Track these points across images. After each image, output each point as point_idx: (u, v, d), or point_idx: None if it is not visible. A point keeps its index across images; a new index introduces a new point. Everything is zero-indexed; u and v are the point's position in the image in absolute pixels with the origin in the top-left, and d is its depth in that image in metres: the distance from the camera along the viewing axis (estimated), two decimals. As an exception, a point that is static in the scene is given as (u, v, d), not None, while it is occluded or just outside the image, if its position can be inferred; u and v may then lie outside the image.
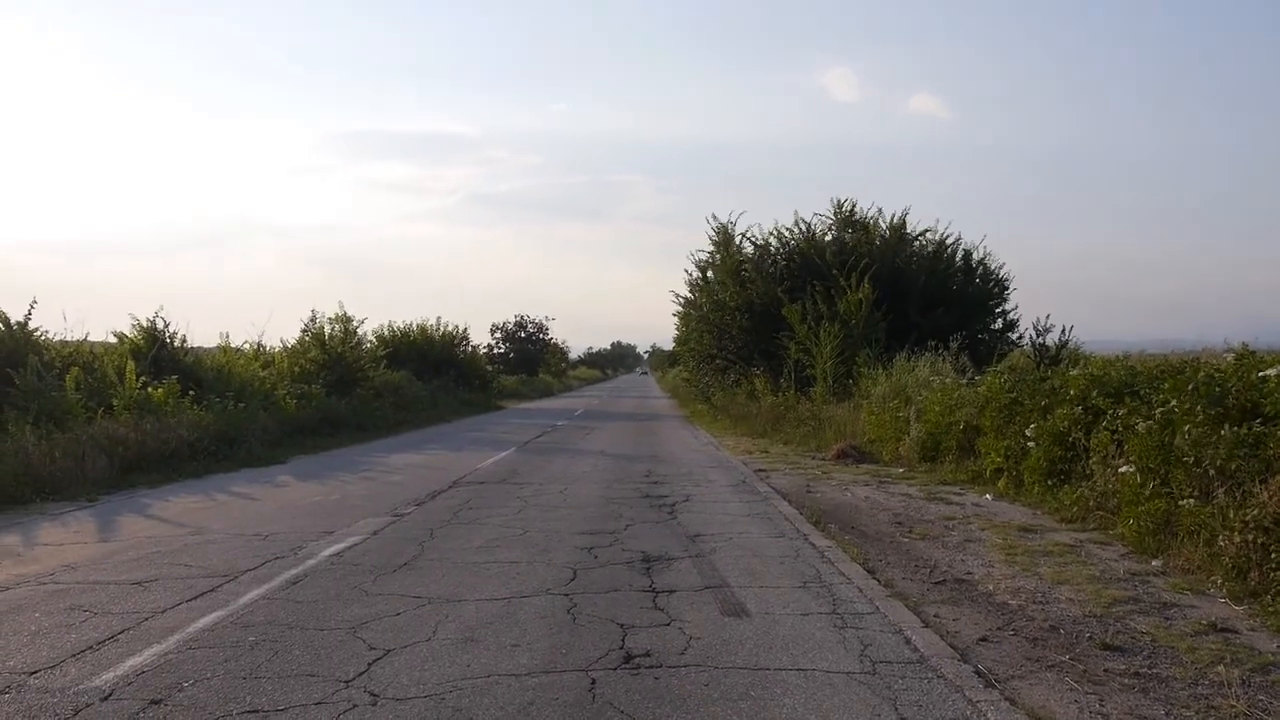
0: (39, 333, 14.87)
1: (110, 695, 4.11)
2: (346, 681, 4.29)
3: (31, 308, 14.53)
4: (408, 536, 7.98)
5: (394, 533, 8.20)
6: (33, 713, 3.91)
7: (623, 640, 4.94)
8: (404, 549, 7.41)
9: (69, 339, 16.64)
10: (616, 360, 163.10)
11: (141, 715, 3.88)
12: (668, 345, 75.71)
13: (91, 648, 4.80)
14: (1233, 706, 3.94)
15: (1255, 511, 6.04)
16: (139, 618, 5.37)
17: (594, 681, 4.30)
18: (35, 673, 4.42)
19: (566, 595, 5.90)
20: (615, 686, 4.23)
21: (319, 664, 4.54)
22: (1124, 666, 4.53)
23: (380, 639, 4.95)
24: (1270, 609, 5.36)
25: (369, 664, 4.54)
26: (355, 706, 3.98)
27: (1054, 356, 16.47)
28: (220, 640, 4.94)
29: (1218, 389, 7.07)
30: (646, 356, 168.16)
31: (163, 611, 5.51)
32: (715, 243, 27.05)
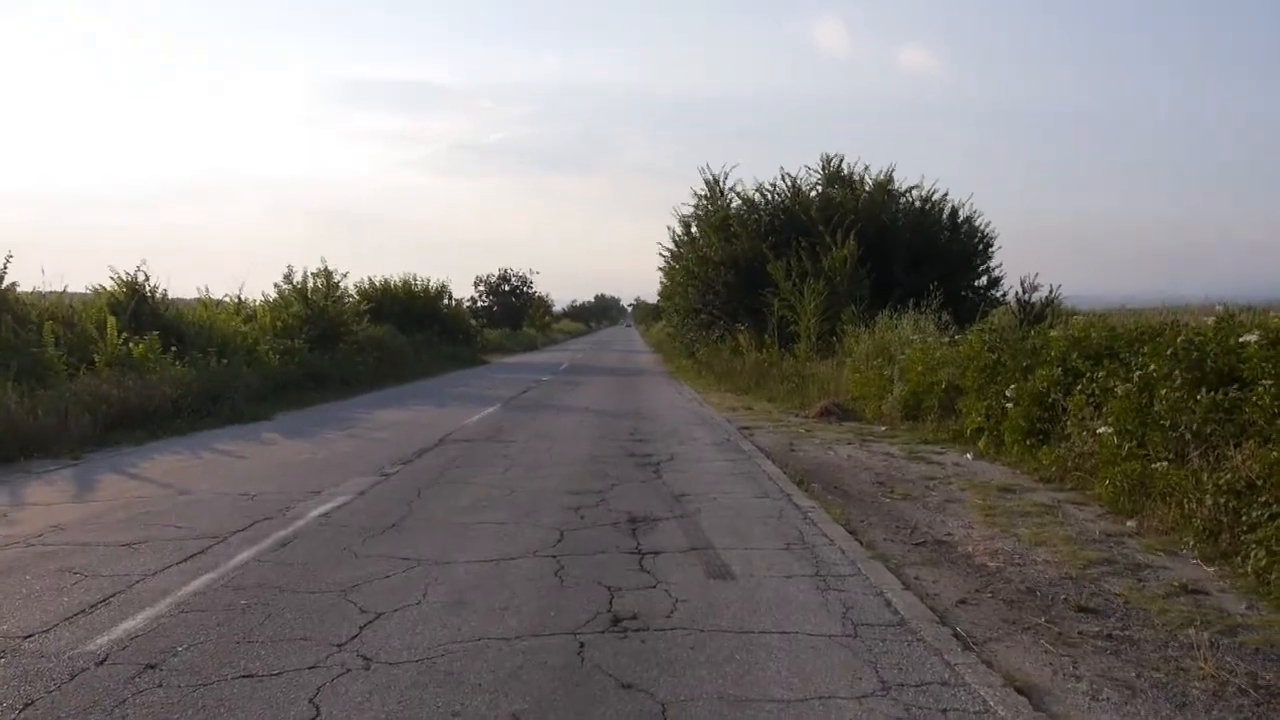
0: (14, 288, 14.68)
1: (105, 660, 4.17)
2: (339, 645, 4.36)
3: (7, 261, 14.31)
4: (395, 496, 8.03)
5: (381, 492, 8.26)
6: (29, 677, 3.96)
7: (610, 603, 5.03)
8: (392, 509, 7.46)
9: (47, 291, 16.46)
10: (600, 313, 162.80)
11: (137, 680, 3.94)
12: (652, 298, 75.72)
13: (84, 611, 4.85)
14: (1201, 668, 4.08)
15: (1229, 475, 6.19)
16: (130, 580, 5.41)
17: (582, 645, 4.39)
18: (29, 637, 4.46)
19: (554, 557, 5.98)
20: (603, 650, 4.32)
21: (311, 627, 4.61)
22: (1098, 629, 4.66)
23: (371, 602, 5.02)
24: (1240, 570, 5.51)
25: (360, 627, 4.61)
26: (349, 670, 4.05)
27: (1038, 314, 16.58)
28: (212, 604, 4.99)
29: (1196, 354, 7.17)
30: (630, 310, 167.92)
31: (153, 574, 5.55)
32: (704, 196, 26.92)
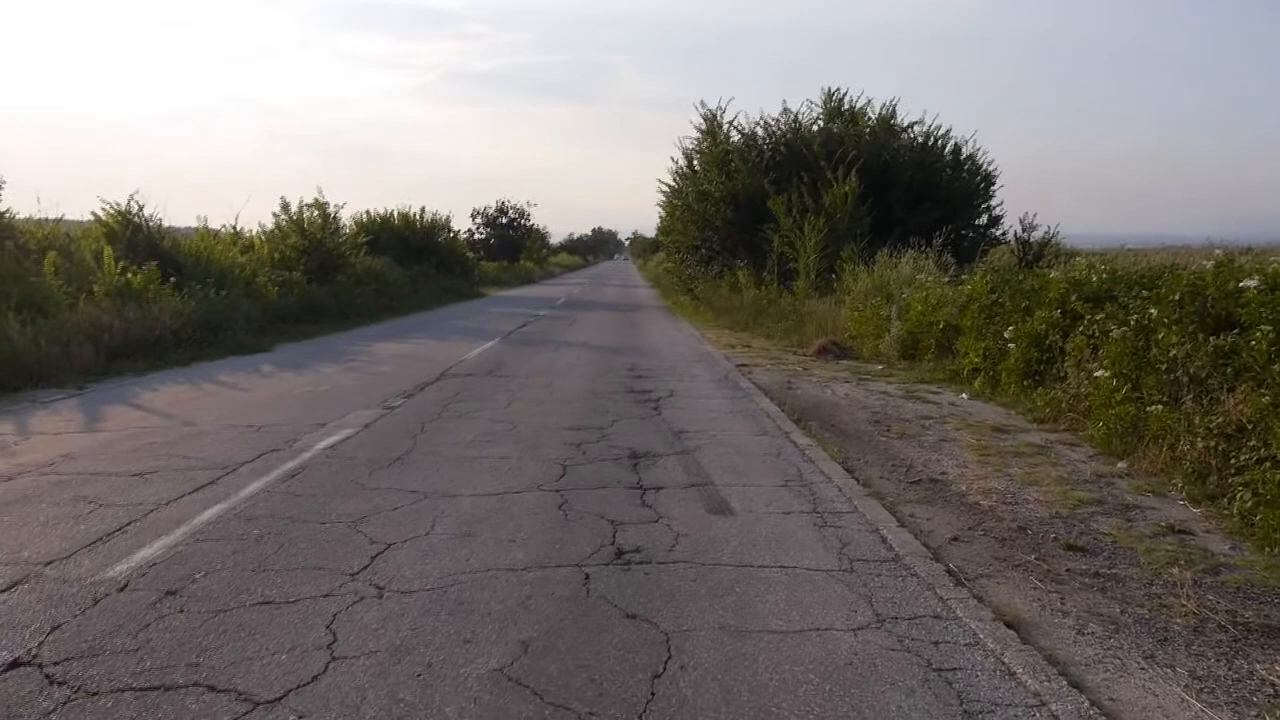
0: (11, 214, 14.59)
1: (126, 586, 4.30)
2: (352, 575, 4.50)
3: (0, 187, 14.19)
4: (399, 430, 8.15)
5: (385, 425, 8.37)
6: (54, 602, 4.10)
7: (613, 536, 5.17)
8: (397, 442, 7.58)
9: (43, 218, 16.35)
10: (598, 246, 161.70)
11: (159, 605, 4.08)
12: (649, 232, 75.20)
13: (101, 539, 4.98)
14: (1183, 606, 4.24)
15: (1220, 419, 6.31)
16: (144, 509, 5.54)
17: (587, 576, 4.54)
18: (50, 563, 4.60)
19: (558, 491, 6.12)
20: (608, 581, 4.47)
21: (323, 557, 4.75)
22: (1085, 567, 4.82)
23: (380, 533, 5.16)
24: (1225, 512, 5.67)
25: (371, 558, 4.75)
26: (362, 599, 4.19)
27: (1037, 254, 16.59)
28: (226, 533, 5.12)
29: (1200, 300, 7.23)
30: (628, 243, 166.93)
31: (166, 503, 5.68)
32: (702, 131, 26.53)
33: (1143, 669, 3.66)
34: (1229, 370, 6.64)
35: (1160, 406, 6.97)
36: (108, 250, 14.68)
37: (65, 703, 3.22)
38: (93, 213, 17.31)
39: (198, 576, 4.44)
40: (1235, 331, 6.87)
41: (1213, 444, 6.25)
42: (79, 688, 3.32)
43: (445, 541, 5.04)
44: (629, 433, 8.18)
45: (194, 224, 20.94)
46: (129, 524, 5.25)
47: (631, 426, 8.49)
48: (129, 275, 14.52)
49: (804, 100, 34.70)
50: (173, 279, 15.41)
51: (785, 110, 25.20)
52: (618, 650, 3.70)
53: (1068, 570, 4.77)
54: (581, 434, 8.08)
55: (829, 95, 25.54)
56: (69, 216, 16.94)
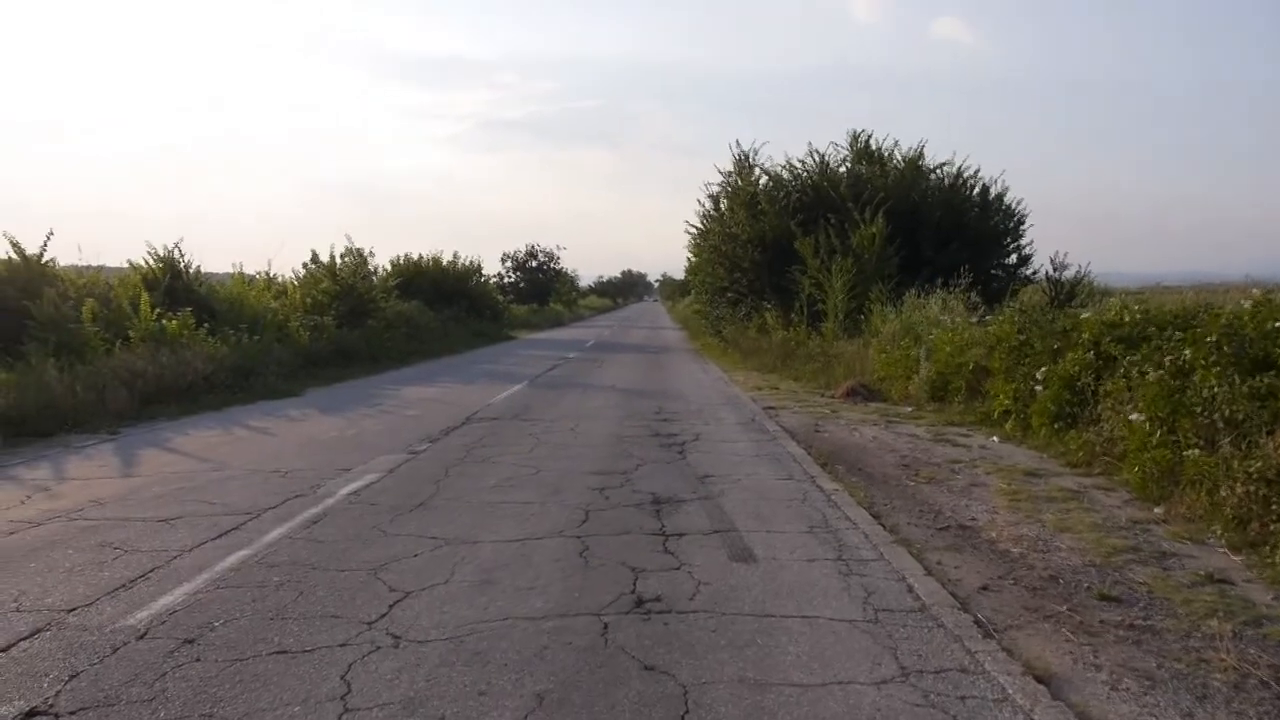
0: (54, 263, 14.98)
1: (146, 634, 4.31)
2: (369, 623, 4.47)
3: (47, 239, 14.61)
4: (423, 475, 8.16)
5: (409, 470, 8.39)
6: (73, 650, 4.11)
7: (634, 584, 5.10)
8: (420, 488, 7.59)
9: (84, 266, 16.76)
10: (627, 289, 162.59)
11: (176, 654, 4.08)
12: (678, 274, 75.48)
13: (124, 586, 5.00)
14: (1223, 660, 4.08)
15: (1260, 463, 6.12)
16: (168, 556, 5.57)
17: (606, 626, 4.47)
18: (73, 610, 4.62)
19: (579, 538, 6.07)
20: (627, 631, 4.40)
21: (342, 605, 4.73)
22: (1120, 618, 4.67)
23: (400, 580, 5.13)
24: (1268, 560, 5.48)
25: (390, 606, 4.72)
26: (378, 648, 4.16)
27: (1069, 293, 16.39)
28: (247, 580, 5.13)
29: (1238, 341, 7.08)
30: (657, 285, 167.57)
31: (190, 550, 5.71)
32: (732, 172, 26.74)
33: (1180, 728, 3.51)
34: (1268, 413, 6.47)
35: (1197, 451, 6.79)
36: (144, 297, 14.99)
37: (78, 754, 3.21)
38: (135, 261, 17.72)
39: (216, 625, 4.44)
40: (1274, 373, 6.70)
41: (1253, 489, 6.06)
42: (92, 739, 3.31)
43: (464, 589, 5.00)
44: (653, 477, 8.12)
45: (229, 269, 21.37)
46: (152, 570, 5.27)
47: (656, 471, 8.43)
48: (165, 321, 14.80)
49: (830, 142, 34.84)
50: (207, 324, 15.69)
51: (812, 152, 25.35)
52: (634, 704, 3.62)
53: (1101, 622, 4.62)
54: (605, 479, 8.03)
55: (855, 137, 25.67)
56: (109, 264, 17.37)
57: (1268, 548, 5.61)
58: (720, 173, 26.96)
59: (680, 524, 6.46)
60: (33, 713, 3.51)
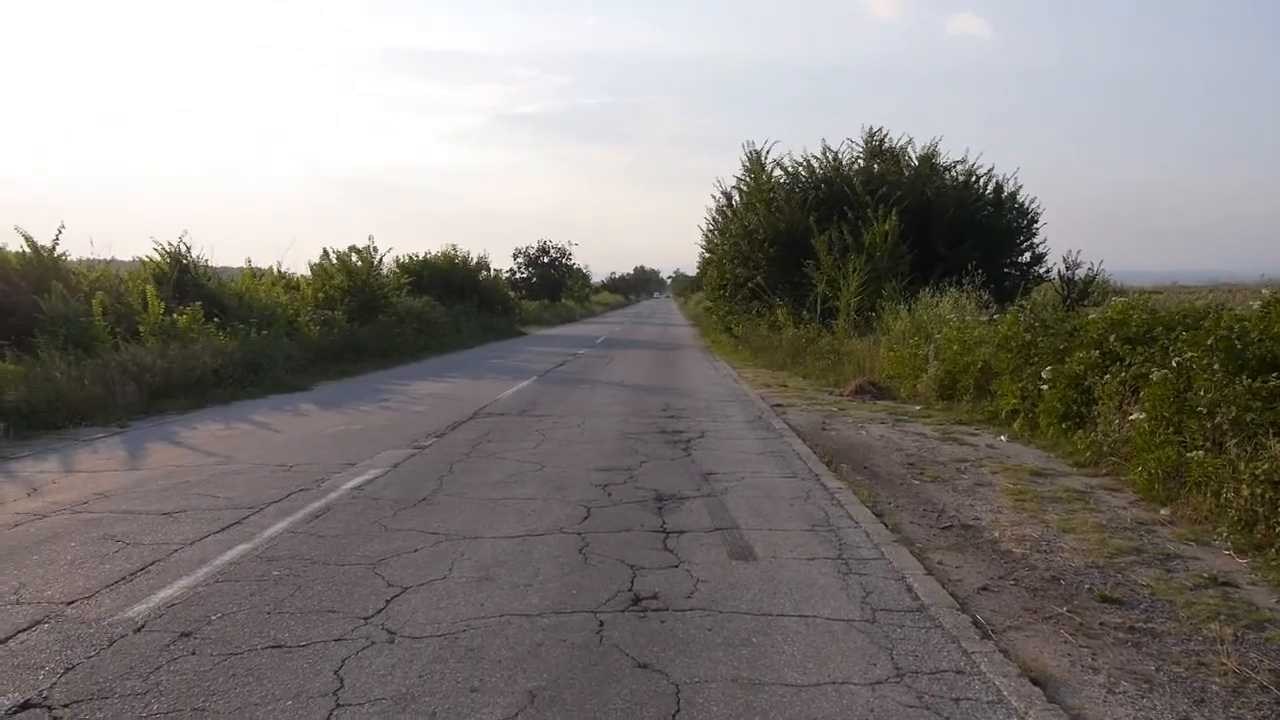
0: (65, 256, 15.08)
1: (143, 627, 4.33)
2: (365, 618, 4.48)
3: (59, 232, 14.71)
4: (427, 470, 8.17)
5: (414, 466, 8.40)
6: (70, 643, 4.13)
7: (632, 582, 5.09)
8: (423, 483, 7.60)
9: (95, 259, 16.88)
10: (639, 285, 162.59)
11: (172, 647, 4.09)
12: (691, 270, 75.41)
13: (124, 579, 5.03)
14: (1223, 664, 4.04)
15: (1266, 465, 6.05)
16: (169, 549, 5.59)
17: (602, 624, 4.46)
18: (72, 603, 4.65)
19: (579, 535, 6.06)
20: (623, 629, 4.39)
21: (339, 600, 4.74)
22: (1120, 620, 4.63)
23: (398, 576, 5.14)
24: (1273, 563, 5.42)
25: (387, 601, 4.73)
26: (373, 644, 4.16)
27: (1081, 291, 16.27)
28: (246, 574, 5.14)
29: (1237, 343, 6.99)
30: (669, 281, 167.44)
31: (191, 543, 5.73)
32: (746, 169, 26.66)
33: (1177, 732, 3.48)
34: (1274, 414, 6.40)
35: (1201, 452, 6.72)
36: (151, 291, 15.05)
37: (70, 746, 3.22)
38: (143, 257, 17.81)
39: (213, 618, 4.46)
40: (1277, 375, 6.62)
41: (1259, 491, 6.00)
42: (84, 731, 3.32)
43: (462, 585, 5.00)
44: (657, 474, 8.10)
45: (240, 264, 21.48)
46: (152, 564, 5.30)
47: (660, 468, 8.42)
48: (174, 315, 14.88)
49: (844, 139, 34.73)
50: (216, 319, 15.76)
51: (826, 149, 25.24)
52: (625, 702, 3.61)
53: (1101, 624, 4.58)
54: (609, 475, 8.02)
55: (870, 135, 25.54)
56: (120, 258, 17.48)
57: (1273, 550, 5.56)
58: (743, 165, 26.87)
59: (682, 521, 6.44)
60: (27, 705, 3.53)
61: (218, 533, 6.00)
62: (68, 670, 3.84)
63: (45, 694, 3.62)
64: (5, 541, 5.78)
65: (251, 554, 5.52)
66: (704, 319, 41.17)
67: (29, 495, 7.08)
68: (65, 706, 3.51)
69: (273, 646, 4.12)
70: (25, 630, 4.28)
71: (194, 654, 4.03)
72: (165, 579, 5.03)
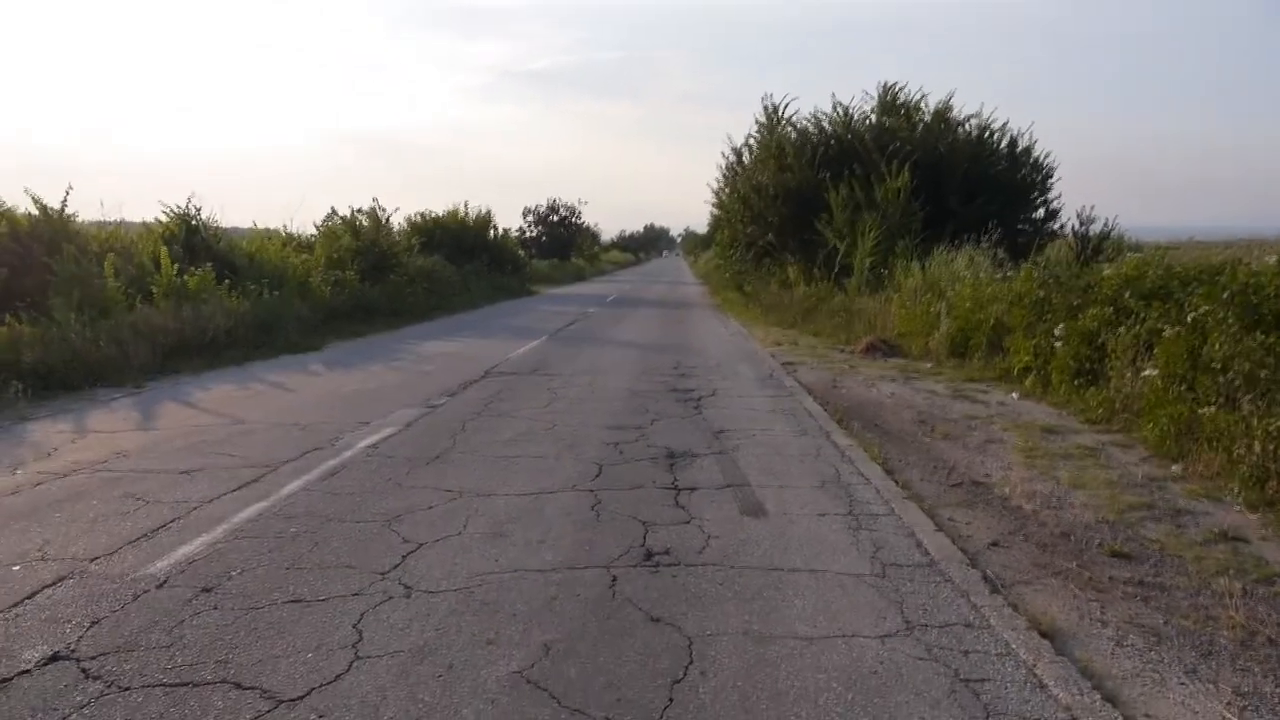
0: (75, 218, 15.07)
1: (165, 583, 4.42)
2: (382, 574, 4.56)
3: (68, 193, 14.69)
4: (440, 428, 8.24)
5: (427, 424, 8.47)
6: (95, 598, 4.22)
7: (644, 538, 5.15)
8: (437, 441, 7.66)
9: (105, 221, 16.86)
10: (649, 243, 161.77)
11: (194, 602, 4.18)
12: (701, 228, 74.92)
13: (146, 536, 5.12)
14: (1231, 617, 4.07)
15: (1279, 421, 6.05)
16: (188, 507, 5.68)
17: (615, 578, 4.52)
18: (95, 559, 4.74)
19: (592, 491, 6.12)
20: (635, 583, 4.45)
21: (356, 556, 4.81)
22: (1129, 574, 4.66)
23: (413, 532, 5.21)
24: (1284, 518, 5.43)
25: (403, 556, 4.80)
26: (390, 598, 4.24)
27: (1095, 248, 16.13)
28: (264, 530, 5.23)
29: (1253, 298, 6.95)
30: (679, 240, 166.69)
31: (210, 501, 5.82)
32: (760, 125, 26.40)
33: (1183, 684, 3.52)
34: (1289, 370, 6.37)
35: (1214, 408, 6.71)
36: (163, 252, 15.06)
37: (99, 697, 3.31)
38: (145, 221, 17.80)
39: (233, 574, 4.54)
40: (1295, 330, 6.59)
41: (1272, 447, 6.00)
42: (112, 682, 3.41)
43: (476, 541, 5.07)
44: (668, 432, 8.15)
45: (251, 225, 21.46)
46: (173, 521, 5.39)
47: (671, 426, 8.46)
48: (185, 277, 14.91)
49: (857, 92, 34.23)
50: (228, 280, 15.78)
51: (837, 105, 24.93)
52: (639, 655, 3.67)
53: (1110, 578, 4.61)
54: (620, 433, 8.07)
55: (884, 90, 25.17)
56: (130, 219, 17.46)
57: (1284, 506, 5.57)
58: (757, 121, 26.60)
59: (693, 478, 6.49)
60: (56, 657, 3.62)
61: (235, 490, 6.08)
62: (93, 624, 3.93)
63: (73, 647, 3.71)
64: (29, 500, 5.88)
65: (269, 511, 5.60)
66: (714, 277, 41.06)
67: (49, 455, 7.18)
68: (93, 659, 3.60)
69: (292, 601, 4.20)
70: (51, 586, 4.37)
71: (216, 608, 4.11)
72: (186, 536, 5.11)
